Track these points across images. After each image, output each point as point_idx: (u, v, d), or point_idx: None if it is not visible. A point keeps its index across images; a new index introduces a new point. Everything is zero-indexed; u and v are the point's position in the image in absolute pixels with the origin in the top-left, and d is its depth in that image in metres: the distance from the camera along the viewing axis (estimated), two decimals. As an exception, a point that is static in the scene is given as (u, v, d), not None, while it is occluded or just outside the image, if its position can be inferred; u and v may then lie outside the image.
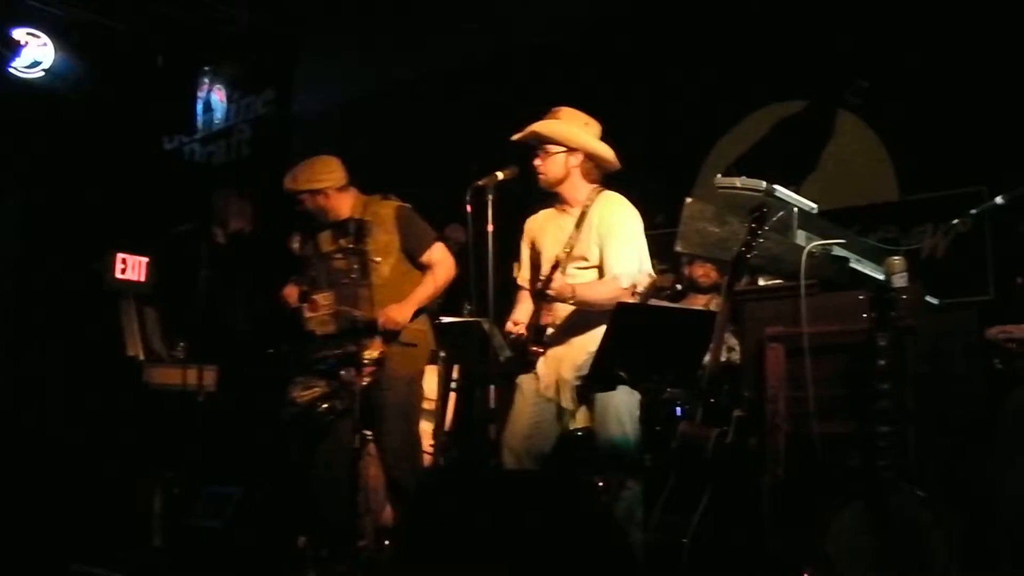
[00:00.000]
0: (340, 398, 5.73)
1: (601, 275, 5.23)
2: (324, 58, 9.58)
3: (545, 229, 5.47)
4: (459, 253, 6.10)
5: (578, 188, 5.37)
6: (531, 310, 5.42)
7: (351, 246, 5.88)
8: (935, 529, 3.87)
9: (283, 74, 9.60)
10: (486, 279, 5.01)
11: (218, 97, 10.15)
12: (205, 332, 7.35)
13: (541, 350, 5.30)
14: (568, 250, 5.29)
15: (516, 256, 5.57)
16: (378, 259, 5.84)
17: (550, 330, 5.31)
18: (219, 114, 10.16)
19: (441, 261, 5.90)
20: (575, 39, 8.67)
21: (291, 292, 6.00)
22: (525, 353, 5.31)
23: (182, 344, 7.97)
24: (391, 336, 5.77)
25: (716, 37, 7.85)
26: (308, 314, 5.90)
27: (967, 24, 6.64)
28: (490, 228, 5.00)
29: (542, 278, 5.30)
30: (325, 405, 5.76)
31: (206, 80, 10.12)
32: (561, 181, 5.34)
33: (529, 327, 5.32)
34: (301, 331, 5.94)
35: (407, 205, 6.00)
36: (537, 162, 5.33)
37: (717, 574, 4.27)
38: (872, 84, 7.08)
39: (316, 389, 5.79)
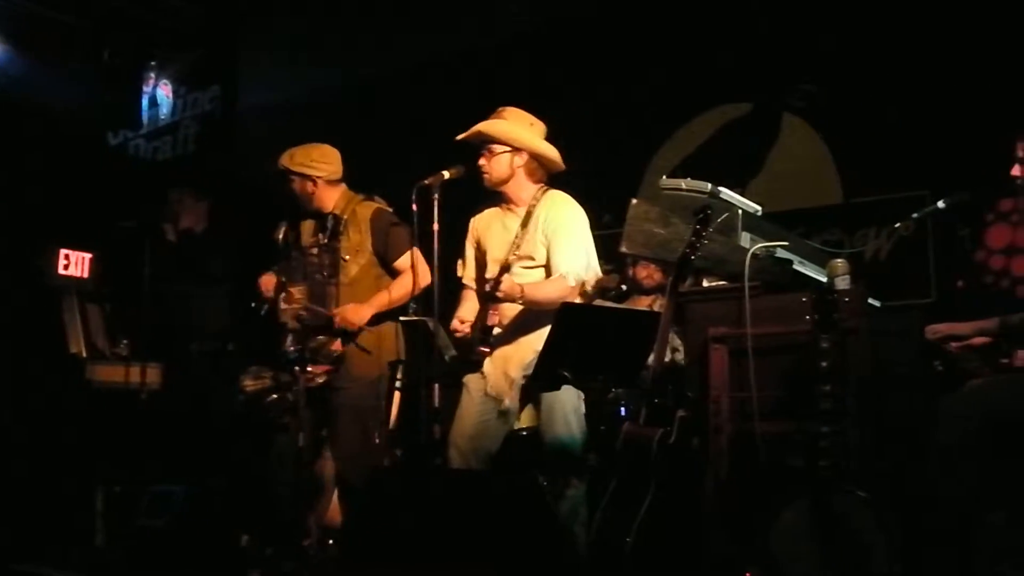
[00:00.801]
0: (292, 390, 5.70)
1: (548, 274, 5.24)
2: (271, 54, 9.54)
3: (491, 228, 5.47)
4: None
5: (523, 187, 5.38)
6: (476, 308, 5.41)
7: (325, 242, 5.85)
8: (876, 529, 3.90)
9: (230, 70, 9.54)
10: (432, 278, 5.01)
11: (164, 92, 10.08)
12: (150, 330, 7.30)
13: (488, 350, 5.30)
14: (515, 250, 5.30)
15: (462, 254, 5.56)
16: (347, 257, 5.81)
17: (497, 330, 5.32)
18: (165, 109, 10.08)
19: (409, 270, 5.85)
20: (522, 40, 8.67)
21: (268, 281, 5.93)
22: (472, 353, 5.31)
23: (125, 342, 7.89)
24: (348, 337, 5.74)
25: (663, 39, 7.86)
26: (283, 305, 5.86)
27: (912, 30, 6.70)
28: (435, 227, 5.00)
29: (489, 278, 5.29)
30: (274, 396, 5.73)
31: (152, 75, 10.04)
32: (506, 181, 5.35)
33: (475, 327, 5.32)
34: (273, 322, 5.90)
35: (388, 209, 5.96)
36: (482, 162, 5.34)
37: (660, 573, 4.28)
38: (817, 88, 7.12)
39: (265, 379, 5.77)
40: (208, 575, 5.96)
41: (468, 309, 5.44)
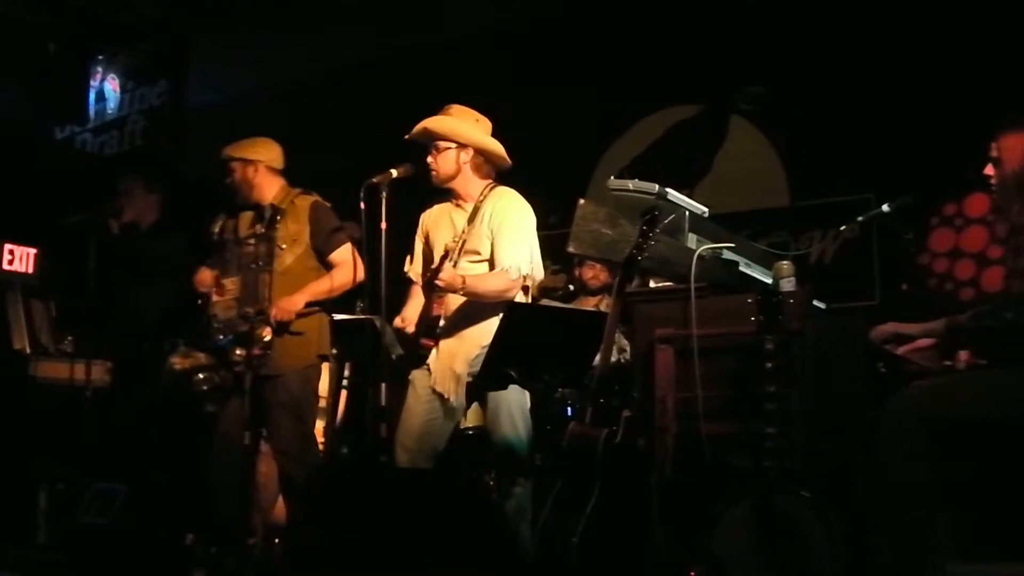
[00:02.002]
0: (219, 374, 5.69)
1: (492, 268, 5.25)
2: (220, 50, 9.49)
3: (439, 223, 5.47)
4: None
5: (471, 183, 5.38)
6: (422, 306, 5.41)
7: (262, 232, 5.85)
8: (819, 530, 3.93)
9: (178, 65, 9.48)
10: (379, 277, 5.01)
11: (111, 87, 10.00)
12: (94, 326, 7.24)
13: (432, 343, 5.30)
14: (460, 243, 5.30)
15: (411, 250, 5.56)
16: (283, 247, 5.79)
17: (442, 322, 5.32)
18: (112, 104, 10.01)
19: (345, 263, 5.85)
20: (471, 38, 8.67)
21: (204, 276, 5.92)
22: (416, 346, 5.30)
23: (70, 338, 7.82)
24: (283, 327, 5.73)
25: (612, 40, 7.88)
26: (215, 298, 5.85)
27: (858, 34, 6.75)
28: (383, 226, 4.99)
29: (432, 268, 5.29)
30: (201, 375, 5.71)
31: (99, 69, 9.97)
32: (453, 177, 5.35)
33: (420, 320, 5.32)
34: (206, 314, 5.89)
35: (326, 203, 5.96)
36: (429, 159, 5.34)
37: (605, 573, 4.30)
38: (765, 91, 7.16)
39: (195, 359, 5.74)
40: (152, 574, 5.91)
41: (413, 307, 5.44)
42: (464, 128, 5.36)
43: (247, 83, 10.05)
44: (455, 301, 5.27)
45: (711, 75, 7.42)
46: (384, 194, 5.00)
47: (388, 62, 9.18)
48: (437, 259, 5.33)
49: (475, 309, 5.22)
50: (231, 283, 5.85)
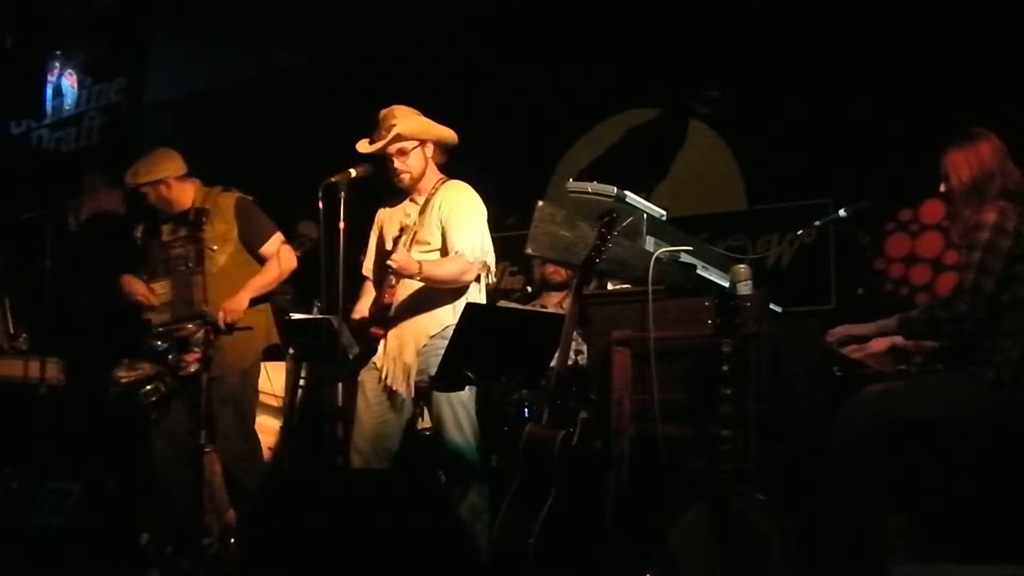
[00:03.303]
0: (165, 381, 5.70)
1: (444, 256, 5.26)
2: (178, 47, 9.44)
3: (393, 218, 5.47)
4: (311, 250, 6.08)
5: (429, 178, 5.40)
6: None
7: (189, 234, 5.84)
8: (773, 533, 3.95)
9: (136, 62, 9.43)
10: (337, 276, 5.00)
11: (69, 83, 9.96)
12: (49, 323, 7.19)
13: (381, 332, 5.29)
14: (412, 233, 5.30)
15: (365, 247, 5.56)
16: (215, 247, 5.82)
17: (392, 311, 5.31)
18: (69, 100, 9.97)
19: (279, 253, 5.89)
20: (430, 38, 8.65)
21: (134, 285, 5.91)
22: (366, 334, 5.30)
23: (24, 335, 7.76)
24: (231, 327, 5.73)
25: (570, 42, 7.88)
26: (147, 303, 5.86)
27: (816, 38, 6.78)
28: (342, 225, 4.98)
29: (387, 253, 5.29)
30: (148, 387, 5.72)
31: (57, 64, 9.92)
32: (423, 174, 5.36)
33: (371, 309, 5.32)
34: (139, 320, 5.88)
35: (248, 197, 6.00)
36: (397, 164, 5.32)
37: (561, 574, 4.30)
38: (722, 95, 7.18)
39: (140, 370, 5.75)
40: (107, 574, 5.88)
41: (365, 302, 5.44)
42: (425, 124, 5.37)
43: (206, 79, 9.98)
44: (406, 290, 5.26)
45: (670, 79, 7.43)
46: (342, 194, 4.99)
47: (345, 61, 9.14)
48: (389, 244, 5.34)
49: (425, 298, 5.22)
50: (160, 287, 5.92)
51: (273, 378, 6.25)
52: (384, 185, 5.37)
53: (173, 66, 9.60)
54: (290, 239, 6.11)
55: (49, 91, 9.92)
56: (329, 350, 5.13)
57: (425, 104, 5.44)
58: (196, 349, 5.67)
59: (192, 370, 5.66)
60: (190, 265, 5.82)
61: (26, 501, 6.37)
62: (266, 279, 5.89)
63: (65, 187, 8.65)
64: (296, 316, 5.70)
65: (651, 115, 7.60)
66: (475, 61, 8.35)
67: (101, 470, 6.57)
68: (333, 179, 5.02)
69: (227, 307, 5.71)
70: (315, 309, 6.28)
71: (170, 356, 5.71)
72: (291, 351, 6.38)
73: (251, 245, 5.90)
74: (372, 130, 5.37)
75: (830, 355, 4.49)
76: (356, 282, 5.48)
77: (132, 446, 6.36)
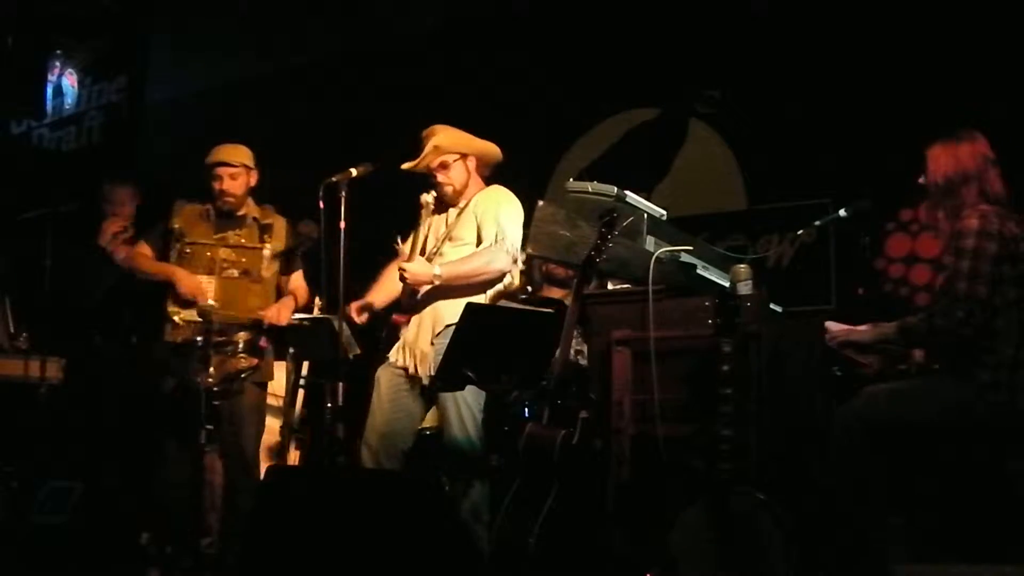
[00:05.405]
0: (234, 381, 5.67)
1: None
2: (179, 46, 9.44)
3: (436, 223, 5.56)
4: (311, 249, 6.08)
5: (471, 189, 5.50)
6: (389, 290, 5.51)
7: (248, 243, 5.87)
8: (773, 531, 3.95)
9: (137, 61, 9.43)
10: (337, 276, 5.00)
11: (69, 82, 9.94)
12: (50, 322, 7.18)
13: (405, 319, 5.33)
14: (446, 234, 5.42)
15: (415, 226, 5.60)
16: (267, 263, 5.83)
17: (419, 297, 5.37)
18: (70, 99, 9.95)
19: (303, 288, 5.99)
20: (428, 40, 8.66)
21: (188, 277, 5.77)
22: (384, 321, 5.33)
23: (25, 335, 7.75)
24: (279, 333, 5.76)
25: (571, 42, 7.88)
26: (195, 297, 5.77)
27: (816, 38, 6.78)
28: (343, 225, 4.99)
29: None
30: (244, 375, 5.70)
31: (57, 64, 9.89)
32: (467, 185, 5.43)
33: (398, 299, 5.42)
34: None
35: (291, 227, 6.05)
36: (440, 178, 5.37)
37: (562, 574, 4.30)
38: (723, 94, 7.18)
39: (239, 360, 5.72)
40: (107, 573, 5.88)
41: (382, 290, 5.53)
42: (466, 138, 5.48)
43: (207, 79, 9.99)
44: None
45: (670, 78, 7.43)
46: (343, 193, 5.00)
47: (347, 62, 9.15)
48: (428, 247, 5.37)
49: (451, 287, 5.27)
50: (207, 281, 5.83)
51: (275, 378, 6.25)
52: (384, 185, 5.37)
53: (173, 66, 9.60)
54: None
55: (50, 90, 9.90)
56: (331, 349, 5.13)
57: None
58: (243, 354, 5.66)
59: (243, 373, 5.65)
60: (243, 272, 5.82)
61: (26, 501, 6.37)
62: (297, 304, 5.96)
63: (65, 187, 8.63)
64: (297, 316, 5.70)
65: (651, 115, 7.61)
66: (475, 61, 8.35)
67: (101, 469, 6.57)
68: (334, 179, 5.03)
69: (271, 313, 5.74)
70: (316, 308, 6.29)
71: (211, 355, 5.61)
72: (292, 351, 6.40)
73: (285, 269, 5.97)
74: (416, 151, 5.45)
75: (831, 355, 4.49)
76: (356, 282, 5.48)
77: (132, 445, 6.36)
